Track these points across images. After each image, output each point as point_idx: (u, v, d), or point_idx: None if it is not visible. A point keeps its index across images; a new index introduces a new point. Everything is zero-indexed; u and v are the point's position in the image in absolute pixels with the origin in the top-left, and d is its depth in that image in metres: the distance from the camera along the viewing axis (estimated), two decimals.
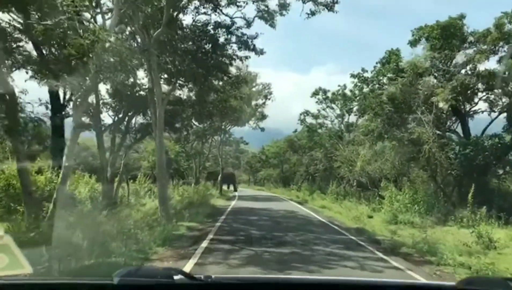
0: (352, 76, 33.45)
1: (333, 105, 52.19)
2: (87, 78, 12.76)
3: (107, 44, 11.73)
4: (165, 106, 18.66)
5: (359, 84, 33.64)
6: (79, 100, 13.02)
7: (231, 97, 23.77)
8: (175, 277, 2.04)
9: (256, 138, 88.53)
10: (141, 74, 20.84)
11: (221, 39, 18.31)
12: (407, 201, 26.22)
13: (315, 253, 10.92)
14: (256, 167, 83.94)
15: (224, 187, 50.63)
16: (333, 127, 52.98)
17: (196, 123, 38.20)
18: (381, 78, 31.96)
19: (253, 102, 39.86)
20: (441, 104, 26.55)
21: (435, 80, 27.04)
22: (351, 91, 50.21)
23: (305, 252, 10.95)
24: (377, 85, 32.75)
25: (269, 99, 39.89)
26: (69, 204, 12.84)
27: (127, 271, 2.20)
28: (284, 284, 2.67)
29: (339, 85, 50.69)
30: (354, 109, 50.83)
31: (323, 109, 52.60)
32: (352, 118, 52.00)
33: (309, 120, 53.21)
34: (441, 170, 27.56)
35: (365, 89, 33.68)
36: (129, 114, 21.13)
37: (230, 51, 18.96)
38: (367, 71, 33.17)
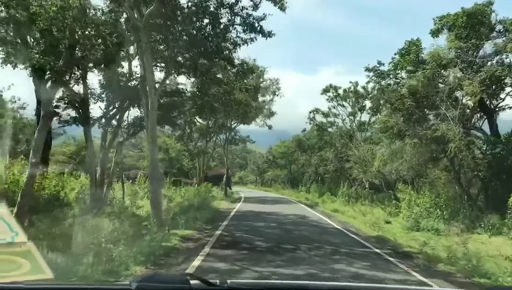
0: (367, 69, 30.97)
1: (344, 103, 49.78)
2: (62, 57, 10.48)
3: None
4: (158, 96, 16.34)
5: (374, 78, 31.07)
6: (49, 83, 10.68)
7: (236, 89, 21.38)
8: (192, 282, 2.05)
9: (263, 138, 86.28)
10: (135, 62, 18.61)
11: (224, 20, 15.91)
12: (428, 205, 24.05)
13: (338, 274, 8.56)
14: (263, 168, 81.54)
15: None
16: (344, 126, 50.52)
17: (200, 120, 35.98)
18: (398, 72, 29.52)
19: (261, 98, 37.52)
20: (466, 99, 24.13)
21: (460, 72, 24.54)
22: (363, 88, 47.85)
23: (325, 274, 8.58)
24: (394, 80, 30.29)
25: (277, 95, 37.47)
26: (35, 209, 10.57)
27: (144, 276, 2.59)
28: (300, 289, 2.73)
29: (350, 82, 48.33)
30: (367, 107, 48.54)
31: (334, 107, 50.17)
32: (365, 117, 49.60)
33: (319, 118, 50.74)
34: (466, 171, 25.15)
35: (382, 83, 31.18)
36: (122, 106, 18.82)
37: (233, 34, 16.55)
38: (383, 64, 30.68)
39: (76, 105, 17.38)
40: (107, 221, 10.23)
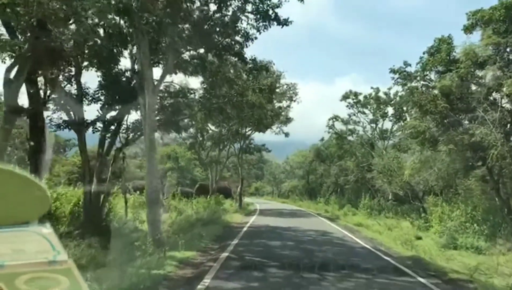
0: (392, 71, 28.43)
1: (365, 110, 47.32)
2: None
3: None
4: (159, 96, 14.21)
5: (400, 80, 28.54)
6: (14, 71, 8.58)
7: (249, 90, 19.11)
8: None
9: (280, 149, 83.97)
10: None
11: (233, 6, 13.72)
12: (463, 218, 21.59)
13: None
14: (280, 178, 79.01)
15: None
16: (365, 134, 47.96)
17: (212, 128, 33.87)
18: (427, 73, 27.02)
19: (277, 104, 35.26)
20: (505, 101, 21.58)
21: (499, 71, 21.96)
22: (385, 94, 45.37)
23: None
24: (421, 82, 27.74)
25: (294, 101, 35.08)
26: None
27: None
28: None
29: (372, 88, 45.87)
30: (389, 113, 45.97)
31: (354, 114, 47.71)
32: (387, 124, 47.02)
33: (339, 126, 48.27)
34: (506, 182, 22.52)
35: (408, 86, 28.65)
36: (121, 108, 16.71)
37: (244, 24, 14.33)
38: (410, 65, 28.17)
39: (68, 106, 15.38)
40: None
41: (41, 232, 1.13)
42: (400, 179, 29.63)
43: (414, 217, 29.41)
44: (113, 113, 16.66)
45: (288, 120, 35.32)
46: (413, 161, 23.15)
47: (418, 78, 28.12)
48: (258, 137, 42.52)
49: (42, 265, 1.16)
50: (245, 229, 19.18)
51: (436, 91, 21.82)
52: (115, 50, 14.26)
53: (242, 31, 14.78)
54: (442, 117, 21.17)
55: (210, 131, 33.32)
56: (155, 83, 13.72)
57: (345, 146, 48.82)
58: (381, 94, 45.37)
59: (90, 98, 15.77)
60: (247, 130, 35.57)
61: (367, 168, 45.30)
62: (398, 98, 44.50)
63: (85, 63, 15.17)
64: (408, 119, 24.94)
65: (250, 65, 16.89)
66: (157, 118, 15.89)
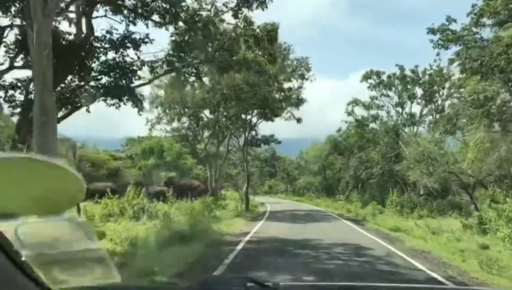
0: (431, 31, 22.05)
1: (389, 92, 40.82)
2: None
3: None
4: (53, 17, 8.25)
5: (441, 42, 22.09)
6: None
7: (240, 39, 12.88)
8: (248, 285, 2.06)
9: (292, 146, 77.71)
10: None
11: None
12: None
13: None
14: (294, 175, 72.60)
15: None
16: (389, 120, 41.49)
17: (207, 114, 27.81)
18: (478, 29, 20.70)
19: (287, 85, 29.11)
20: None
21: None
22: (412, 71, 38.83)
23: None
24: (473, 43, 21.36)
25: (306, 79, 28.78)
26: None
27: (204, 279, 2.40)
28: None
29: (396, 65, 39.41)
30: (418, 94, 39.43)
31: (376, 98, 41.25)
32: (415, 109, 40.45)
33: (359, 112, 41.83)
34: None
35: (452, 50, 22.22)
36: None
37: None
38: (455, 21, 21.80)
39: None
40: None
41: (76, 221, 1.22)
42: (444, 168, 23.34)
43: (455, 214, 23.61)
44: None
45: (300, 101, 28.91)
46: (479, 141, 16.67)
47: (466, 36, 21.73)
48: (265, 127, 36.49)
49: (77, 254, 1.24)
50: (240, 247, 12.85)
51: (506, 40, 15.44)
52: None
53: None
54: None
55: (205, 119, 27.30)
56: None
57: (366, 134, 42.45)
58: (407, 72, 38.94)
59: None
60: (251, 117, 29.58)
61: (394, 158, 39.03)
62: (427, 77, 38.12)
63: None
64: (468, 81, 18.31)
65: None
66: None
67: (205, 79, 19.71)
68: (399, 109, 40.53)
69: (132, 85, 12.32)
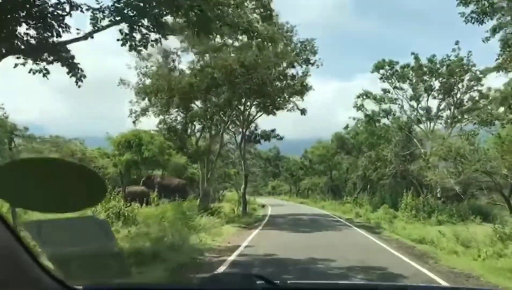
0: (463, 1, 18.19)
1: (403, 85, 36.81)
2: None
3: None
4: None
5: (475, 15, 18.19)
6: None
7: None
8: (258, 282, 2.11)
9: (296, 148, 74.00)
10: None
11: None
12: None
13: None
14: (298, 175, 68.65)
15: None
16: (403, 114, 37.47)
17: (198, 104, 24.03)
18: None
19: (289, 72, 25.29)
20: None
21: None
22: (430, 60, 34.86)
23: None
24: None
25: (313, 64, 24.85)
26: None
27: (213, 276, 2.76)
28: None
29: (412, 53, 35.34)
30: (436, 87, 35.44)
31: (388, 92, 37.28)
32: (431, 103, 36.39)
33: (369, 106, 37.83)
34: None
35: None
36: None
37: None
38: None
39: None
40: None
41: (96, 220, 1.44)
42: (476, 167, 19.49)
43: (477, 220, 19.94)
44: None
45: (304, 88, 24.91)
46: None
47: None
48: (265, 121, 32.69)
49: (95, 251, 1.38)
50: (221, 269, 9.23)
51: None
52: None
53: None
54: None
55: (195, 109, 23.56)
56: None
57: (377, 131, 38.55)
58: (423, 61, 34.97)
59: None
60: (248, 108, 25.73)
61: (409, 157, 35.15)
62: (445, 67, 34.17)
63: None
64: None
65: None
66: None
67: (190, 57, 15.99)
68: (414, 103, 36.59)
69: (61, 39, 8.72)
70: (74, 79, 9.86)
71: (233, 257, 11.49)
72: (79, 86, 9.67)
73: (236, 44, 23.73)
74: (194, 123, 24.94)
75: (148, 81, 24.94)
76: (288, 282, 2.32)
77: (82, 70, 9.58)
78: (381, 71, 36.09)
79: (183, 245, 11.75)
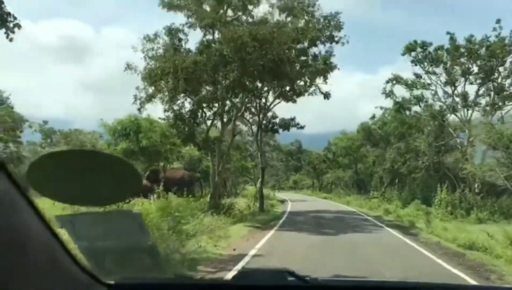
0: None
1: (436, 69, 33.39)
2: None
3: None
4: None
5: None
6: None
7: None
8: (289, 279, 2.08)
9: (318, 141, 71.20)
10: None
11: None
12: None
13: None
14: (321, 169, 65.49)
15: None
16: (435, 102, 34.07)
17: (207, 87, 21.33)
18: None
19: (312, 50, 22.43)
20: None
21: None
22: (468, 41, 31.36)
23: None
24: None
25: (337, 42, 21.86)
26: None
27: (242, 272, 2.60)
28: (393, 288, 2.66)
29: (448, 33, 31.86)
30: (474, 70, 31.96)
31: (419, 77, 33.92)
32: (468, 88, 32.88)
33: (399, 92, 34.58)
34: None
35: None
36: None
37: None
38: None
39: None
40: None
41: (131, 213, 1.36)
42: None
43: None
44: None
45: (327, 66, 21.87)
46: None
47: None
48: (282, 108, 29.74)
49: (129, 245, 1.38)
50: None
51: None
52: None
53: None
54: None
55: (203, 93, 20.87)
56: None
57: (408, 120, 35.38)
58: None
59: None
60: (262, 91, 22.93)
61: (443, 148, 31.90)
62: (485, 48, 30.67)
63: None
64: None
65: None
66: None
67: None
68: (449, 89, 33.13)
69: None
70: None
71: (234, 272, 8.72)
72: (11, 40, 7.18)
73: (250, 20, 21.13)
74: (204, 109, 22.23)
75: (155, 65, 22.58)
76: (319, 279, 2.23)
77: (15, 18, 7.06)
78: (413, 53, 32.75)
79: (170, 256, 9.04)
